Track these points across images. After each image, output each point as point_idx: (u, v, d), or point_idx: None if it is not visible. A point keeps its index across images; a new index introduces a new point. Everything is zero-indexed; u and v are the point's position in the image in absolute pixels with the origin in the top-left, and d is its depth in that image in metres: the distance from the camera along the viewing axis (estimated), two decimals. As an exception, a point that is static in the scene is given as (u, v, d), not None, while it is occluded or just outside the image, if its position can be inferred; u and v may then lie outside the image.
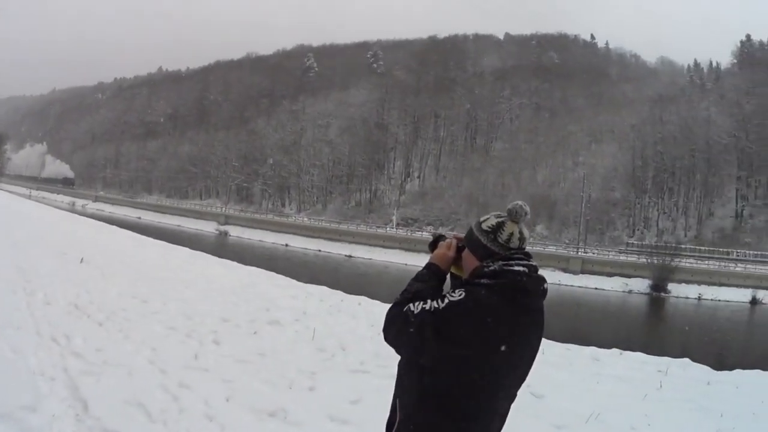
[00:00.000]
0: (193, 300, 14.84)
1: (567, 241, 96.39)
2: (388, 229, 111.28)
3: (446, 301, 3.21)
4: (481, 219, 3.55)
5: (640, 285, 74.96)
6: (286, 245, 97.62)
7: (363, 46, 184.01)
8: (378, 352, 11.18)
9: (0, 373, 7.40)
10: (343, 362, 10.53)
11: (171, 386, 7.79)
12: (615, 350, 15.51)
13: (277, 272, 27.69)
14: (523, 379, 3.45)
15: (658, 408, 9.77)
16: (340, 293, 21.17)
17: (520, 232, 3.44)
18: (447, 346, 3.15)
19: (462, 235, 3.70)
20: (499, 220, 3.46)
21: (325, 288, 21.85)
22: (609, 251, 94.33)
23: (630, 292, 74.13)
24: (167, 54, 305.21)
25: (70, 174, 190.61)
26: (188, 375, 8.38)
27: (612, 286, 75.40)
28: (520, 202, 3.46)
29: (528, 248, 3.50)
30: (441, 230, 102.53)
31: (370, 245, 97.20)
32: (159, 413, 6.86)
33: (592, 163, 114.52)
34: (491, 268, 3.31)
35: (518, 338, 3.29)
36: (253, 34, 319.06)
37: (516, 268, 3.30)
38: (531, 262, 3.40)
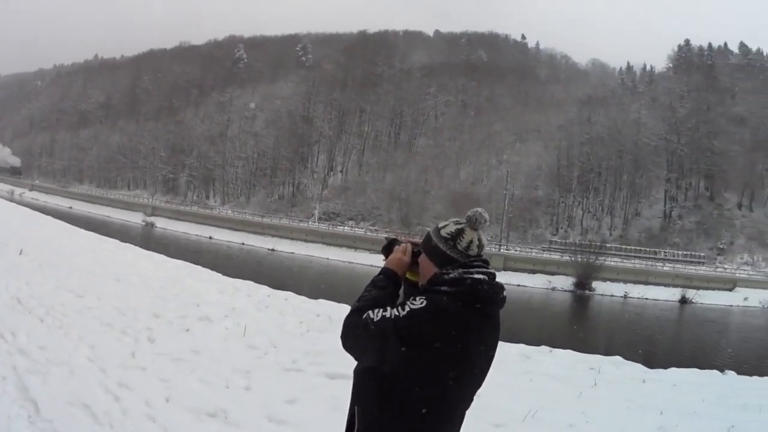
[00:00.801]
0: (125, 295, 14.67)
1: (489, 238, 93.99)
2: (310, 223, 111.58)
3: (407, 308, 3.20)
4: (440, 225, 3.52)
5: (564, 282, 75.68)
6: (210, 238, 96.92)
7: (293, 39, 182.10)
8: (309, 349, 11.35)
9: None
10: (276, 360, 10.54)
11: (111, 386, 7.75)
12: (544, 348, 15.77)
13: (203, 266, 27.80)
14: (480, 385, 3.47)
15: (595, 406, 9.86)
16: (266, 288, 21.18)
17: (479, 239, 3.45)
18: (409, 355, 3.14)
19: (416, 240, 3.71)
20: (459, 227, 3.44)
21: (251, 283, 22.02)
22: (532, 249, 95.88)
23: (553, 289, 74.74)
24: (105, 40, 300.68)
25: (15, 161, 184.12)
26: (127, 374, 8.32)
27: (535, 283, 75.35)
28: (479, 210, 3.45)
29: None
30: (363, 225, 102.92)
31: (293, 239, 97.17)
32: (103, 415, 6.80)
33: (517, 161, 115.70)
34: (451, 275, 3.31)
35: (479, 346, 3.31)
36: (187, 23, 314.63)
37: (477, 276, 3.31)
38: (490, 270, 3.40)
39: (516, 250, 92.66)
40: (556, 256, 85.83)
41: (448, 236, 3.42)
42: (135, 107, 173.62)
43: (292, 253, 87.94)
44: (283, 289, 21.52)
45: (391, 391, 3.23)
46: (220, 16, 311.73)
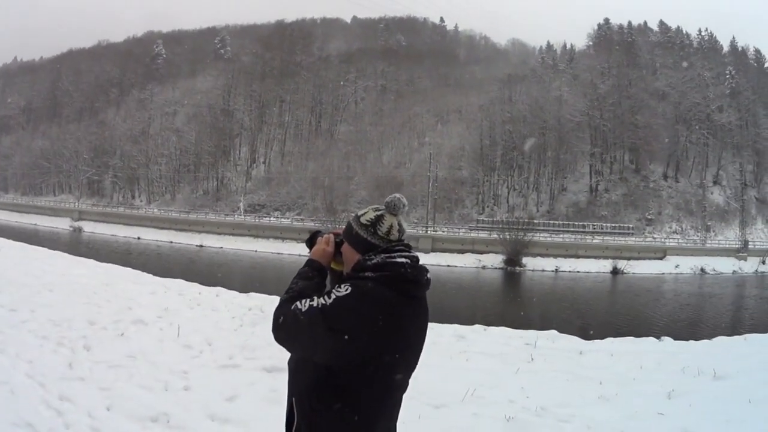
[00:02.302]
0: (58, 304, 14.30)
1: (415, 221, 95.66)
2: (236, 216, 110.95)
3: (333, 296, 3.25)
4: (360, 213, 3.61)
5: (494, 260, 75.82)
6: (138, 238, 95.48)
7: (211, 32, 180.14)
8: (244, 344, 11.37)
9: None
10: (212, 358, 10.51)
11: (53, 401, 7.59)
12: (478, 326, 15.80)
13: (133, 267, 27.35)
14: (414, 368, 3.55)
15: (533, 380, 9.95)
16: (197, 285, 20.99)
17: (399, 224, 3.55)
18: (340, 342, 3.18)
19: (339, 230, 3.75)
20: (378, 213, 3.55)
21: (181, 281, 21.63)
22: (459, 229, 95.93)
23: (483, 267, 74.79)
24: (23, 42, 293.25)
25: None
26: (67, 386, 8.16)
27: (464, 262, 75.66)
28: (397, 195, 3.58)
29: None
30: (289, 215, 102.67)
31: (220, 234, 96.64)
32: (48, 432, 6.68)
33: (439, 143, 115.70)
34: (374, 261, 3.40)
35: (408, 328, 3.39)
36: (106, 20, 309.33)
37: (399, 259, 3.40)
38: (412, 253, 3.51)
39: (443, 231, 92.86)
40: (484, 235, 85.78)
41: (368, 223, 3.53)
42: (56, 110, 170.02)
43: (221, 247, 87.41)
44: (214, 285, 21.19)
45: (325, 381, 3.29)
46: (138, 12, 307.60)
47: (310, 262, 3.68)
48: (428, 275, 3.51)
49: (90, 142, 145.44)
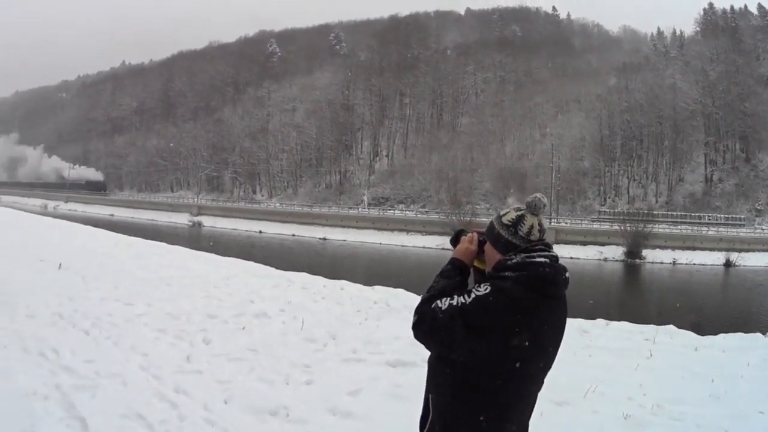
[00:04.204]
0: (176, 298, 14.46)
1: None
2: (360, 209, 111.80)
3: (473, 295, 3.29)
4: (501, 213, 3.63)
5: (615, 252, 75.32)
6: (260, 232, 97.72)
7: (324, 29, 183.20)
8: (369, 338, 11.22)
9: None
10: (335, 351, 10.38)
11: (167, 393, 7.67)
12: (600, 321, 15.42)
13: (254, 261, 26.97)
14: (550, 367, 3.57)
15: (651, 377, 9.78)
16: (320, 278, 20.39)
17: (540, 224, 3.54)
18: (477, 340, 3.23)
19: (482, 230, 3.77)
20: (519, 213, 3.55)
21: (305, 274, 21.29)
22: (582, 220, 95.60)
23: (605, 260, 74.43)
24: (129, 48, 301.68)
25: (96, 176, 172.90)
26: (183, 379, 8.24)
27: (587, 254, 75.31)
28: (538, 195, 3.58)
29: None
30: (413, 208, 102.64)
31: (344, 227, 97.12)
32: (159, 424, 6.72)
33: (560, 133, 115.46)
34: (514, 260, 3.41)
35: (545, 327, 3.40)
36: (214, 23, 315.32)
37: (538, 259, 3.40)
38: (552, 253, 3.50)
39: (566, 223, 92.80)
40: (605, 226, 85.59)
41: (510, 223, 3.53)
42: (170, 110, 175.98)
43: (344, 240, 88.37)
44: (338, 278, 20.85)
45: (462, 378, 3.35)
46: (248, 14, 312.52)
47: (453, 261, 3.73)
48: (567, 274, 3.53)
49: (207, 139, 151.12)
